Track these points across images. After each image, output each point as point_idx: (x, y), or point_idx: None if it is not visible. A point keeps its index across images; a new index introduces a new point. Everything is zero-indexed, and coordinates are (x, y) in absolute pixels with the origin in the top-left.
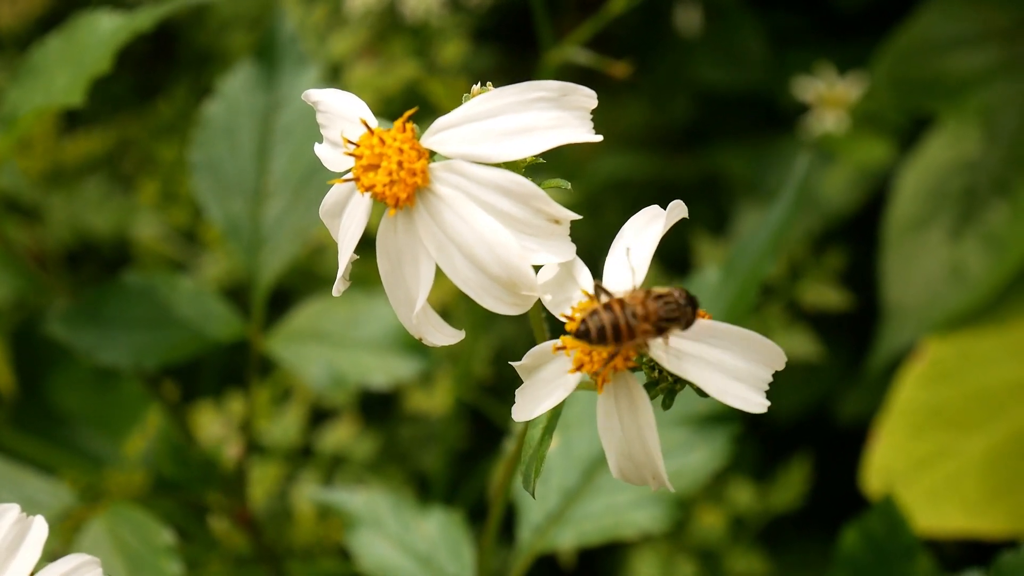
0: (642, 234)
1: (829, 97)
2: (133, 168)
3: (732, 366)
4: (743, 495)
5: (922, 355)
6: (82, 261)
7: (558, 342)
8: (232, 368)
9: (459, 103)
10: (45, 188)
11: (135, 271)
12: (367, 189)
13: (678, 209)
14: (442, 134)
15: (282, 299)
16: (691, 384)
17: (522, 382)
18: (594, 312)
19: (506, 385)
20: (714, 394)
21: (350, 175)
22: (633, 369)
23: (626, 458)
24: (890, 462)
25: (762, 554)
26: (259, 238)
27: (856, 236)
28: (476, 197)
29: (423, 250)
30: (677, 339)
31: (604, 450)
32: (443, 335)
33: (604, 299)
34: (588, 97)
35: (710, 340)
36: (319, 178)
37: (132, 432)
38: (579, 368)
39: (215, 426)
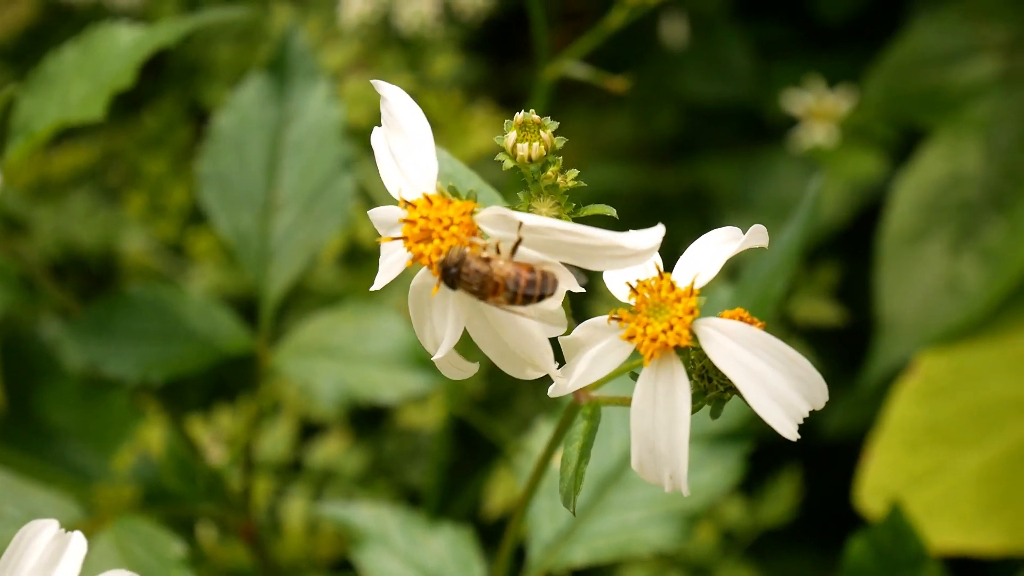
0: (714, 250)
1: (818, 110)
2: (119, 180)
3: (774, 384)
4: (733, 509)
5: (916, 370)
6: (68, 274)
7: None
8: (219, 382)
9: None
10: (31, 200)
11: (140, 283)
12: (415, 258)
13: (758, 235)
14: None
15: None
16: (737, 392)
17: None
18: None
19: (497, 400)
20: (753, 404)
21: (398, 231)
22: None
23: (649, 450)
24: (885, 479)
25: (752, 568)
26: (268, 252)
27: (845, 250)
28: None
29: (454, 310)
30: (728, 340)
31: (631, 435)
32: (460, 371)
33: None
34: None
35: (759, 351)
36: (329, 193)
37: (120, 446)
38: (630, 338)
39: (202, 440)
